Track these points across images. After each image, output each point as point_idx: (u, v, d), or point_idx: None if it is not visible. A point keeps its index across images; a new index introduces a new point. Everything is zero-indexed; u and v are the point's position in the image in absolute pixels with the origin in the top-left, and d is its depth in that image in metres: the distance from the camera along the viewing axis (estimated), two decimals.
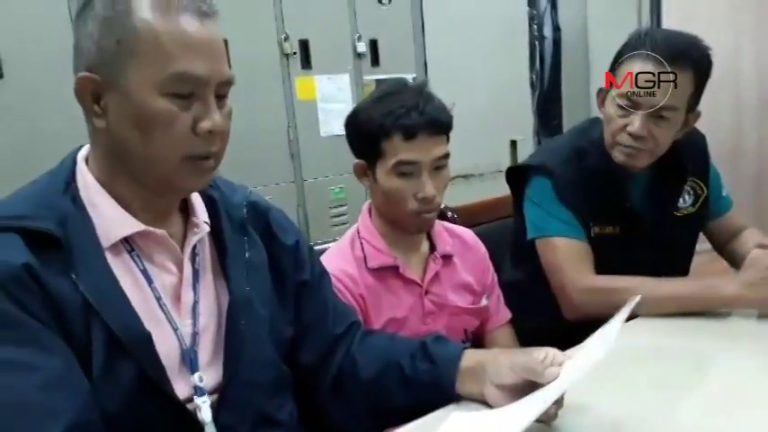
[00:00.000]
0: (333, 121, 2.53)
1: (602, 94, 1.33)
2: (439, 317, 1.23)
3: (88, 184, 0.79)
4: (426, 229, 1.21)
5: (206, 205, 0.89)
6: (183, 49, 0.73)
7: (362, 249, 1.20)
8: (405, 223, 1.18)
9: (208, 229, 0.86)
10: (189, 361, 0.80)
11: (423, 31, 2.95)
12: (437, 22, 2.97)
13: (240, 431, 0.80)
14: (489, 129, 3.14)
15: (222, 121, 0.77)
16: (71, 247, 0.73)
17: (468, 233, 1.37)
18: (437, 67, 2.98)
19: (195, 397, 0.78)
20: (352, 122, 1.17)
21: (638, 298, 0.85)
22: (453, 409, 0.87)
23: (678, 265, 1.43)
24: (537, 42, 3.76)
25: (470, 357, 0.90)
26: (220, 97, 0.79)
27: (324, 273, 1.01)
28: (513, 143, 3.25)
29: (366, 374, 0.92)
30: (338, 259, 1.18)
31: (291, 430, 0.87)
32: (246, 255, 0.88)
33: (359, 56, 2.65)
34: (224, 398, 0.81)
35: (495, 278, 1.38)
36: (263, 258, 0.91)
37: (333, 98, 2.54)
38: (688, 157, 1.37)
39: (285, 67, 2.44)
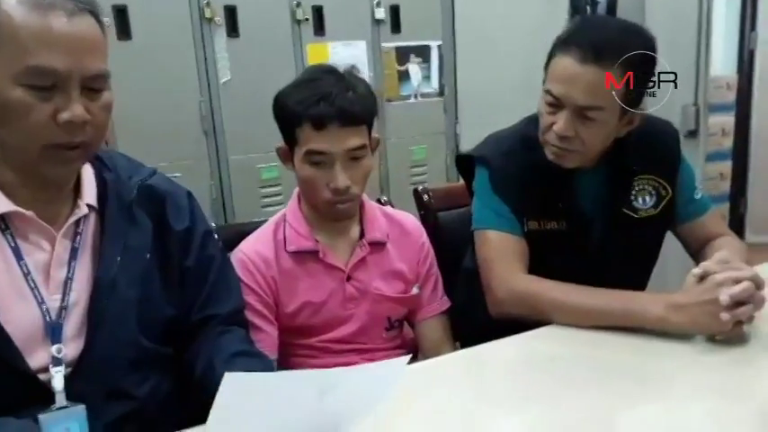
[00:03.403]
0: None
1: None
2: (361, 303, 1.24)
3: None
4: (343, 218, 1.21)
5: (99, 187, 0.94)
6: (40, 43, 0.77)
7: (284, 232, 1.22)
8: (321, 211, 1.19)
9: (86, 210, 0.91)
10: (51, 333, 0.85)
11: None
12: None
13: (92, 402, 0.85)
14: (519, 103, 2.97)
15: (82, 113, 0.80)
16: None
17: (410, 220, 1.36)
18: (466, 36, 2.88)
19: (50, 366, 0.84)
20: (274, 106, 1.18)
21: None
22: None
23: (635, 269, 1.35)
24: (588, 7, 3.53)
25: None
26: (95, 90, 0.82)
27: (213, 260, 1.03)
28: None
29: (197, 373, 0.95)
30: (256, 240, 1.21)
31: (150, 406, 0.92)
32: (125, 237, 0.93)
33: (377, 22, 2.60)
34: (78, 370, 0.87)
35: (434, 268, 1.36)
36: (145, 241, 0.95)
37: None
38: (642, 156, 1.27)
39: (297, 32, 2.44)
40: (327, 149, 1.10)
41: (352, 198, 1.16)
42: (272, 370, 0.94)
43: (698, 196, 1.36)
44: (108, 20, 2.14)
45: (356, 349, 1.25)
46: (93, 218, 0.93)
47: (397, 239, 1.30)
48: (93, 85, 0.82)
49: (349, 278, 1.23)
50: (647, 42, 1.12)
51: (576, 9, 3.30)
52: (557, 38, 1.17)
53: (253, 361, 0.91)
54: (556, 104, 1.14)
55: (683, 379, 0.99)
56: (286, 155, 1.19)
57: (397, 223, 1.32)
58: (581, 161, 1.20)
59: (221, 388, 0.61)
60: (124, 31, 2.19)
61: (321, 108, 1.08)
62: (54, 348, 0.85)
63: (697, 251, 1.36)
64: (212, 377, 0.89)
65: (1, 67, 0.77)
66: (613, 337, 1.10)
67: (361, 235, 1.26)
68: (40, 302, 0.86)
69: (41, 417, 0.82)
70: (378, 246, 1.27)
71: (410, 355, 0.73)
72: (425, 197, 1.65)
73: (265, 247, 1.19)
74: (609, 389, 0.96)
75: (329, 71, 1.16)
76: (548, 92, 1.15)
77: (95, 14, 0.83)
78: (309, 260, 1.21)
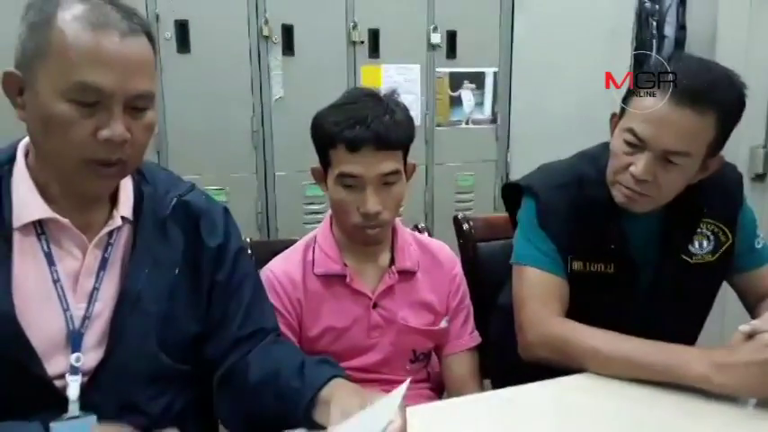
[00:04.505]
0: None
1: (614, 120, 1.19)
2: (386, 332, 1.21)
3: (18, 167, 0.88)
4: (372, 243, 1.18)
5: (135, 199, 0.95)
6: (89, 61, 0.78)
7: (313, 254, 1.20)
8: (350, 234, 1.16)
9: (120, 222, 0.91)
10: (72, 341, 0.86)
11: (512, 22, 2.80)
12: (530, 14, 2.80)
13: (104, 413, 0.85)
14: (573, 136, 2.89)
15: (122, 132, 0.80)
16: None
17: (444, 250, 1.31)
18: (523, 64, 2.83)
19: (67, 375, 0.85)
20: (312, 126, 1.17)
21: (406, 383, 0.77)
22: None
23: (685, 319, 1.26)
24: (655, 41, 3.41)
25: (332, 388, 0.87)
26: (138, 109, 0.83)
27: (247, 276, 1.02)
28: None
29: (253, 378, 0.94)
30: (286, 261, 1.20)
31: (162, 422, 0.91)
32: (156, 252, 0.92)
33: (433, 47, 2.59)
34: (94, 380, 0.87)
35: (466, 301, 1.31)
36: (176, 257, 0.94)
37: (399, 88, 2.51)
38: (708, 198, 1.19)
39: (351, 54, 2.45)
40: (360, 173, 1.08)
41: (382, 224, 1.13)
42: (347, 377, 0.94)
43: (759, 245, 1.26)
44: (169, 33, 2.21)
45: (377, 380, 1.21)
46: (126, 230, 0.93)
47: (429, 269, 1.27)
48: (137, 104, 0.82)
49: (375, 306, 1.20)
50: (741, 90, 1.06)
51: (641, 44, 3.19)
52: (644, 73, 1.09)
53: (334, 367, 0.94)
54: (637, 145, 1.07)
55: None
56: (320, 176, 1.18)
57: (430, 252, 1.29)
58: (652, 206, 1.13)
59: None
60: (184, 44, 2.26)
61: (357, 131, 1.06)
62: (73, 357, 0.86)
63: (754, 305, 1.26)
64: (290, 378, 0.91)
65: (50, 81, 0.78)
66: (654, 392, 1.02)
67: (392, 262, 1.23)
68: (65, 309, 0.86)
69: (53, 424, 0.83)
70: (407, 274, 1.23)
71: (408, 382, 0.70)
72: (465, 226, 1.59)
73: (294, 268, 1.18)
74: None
75: (369, 94, 1.14)
76: (630, 131, 1.08)
77: (149, 34, 0.84)
78: (336, 284, 1.19)
